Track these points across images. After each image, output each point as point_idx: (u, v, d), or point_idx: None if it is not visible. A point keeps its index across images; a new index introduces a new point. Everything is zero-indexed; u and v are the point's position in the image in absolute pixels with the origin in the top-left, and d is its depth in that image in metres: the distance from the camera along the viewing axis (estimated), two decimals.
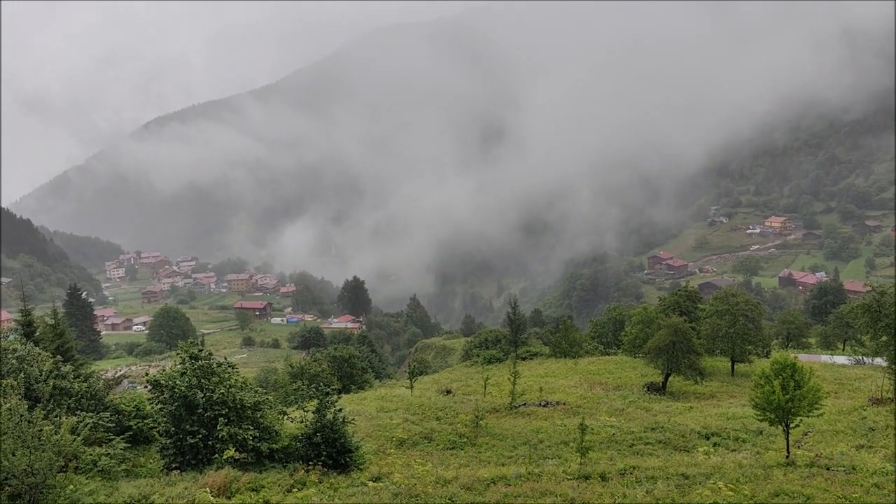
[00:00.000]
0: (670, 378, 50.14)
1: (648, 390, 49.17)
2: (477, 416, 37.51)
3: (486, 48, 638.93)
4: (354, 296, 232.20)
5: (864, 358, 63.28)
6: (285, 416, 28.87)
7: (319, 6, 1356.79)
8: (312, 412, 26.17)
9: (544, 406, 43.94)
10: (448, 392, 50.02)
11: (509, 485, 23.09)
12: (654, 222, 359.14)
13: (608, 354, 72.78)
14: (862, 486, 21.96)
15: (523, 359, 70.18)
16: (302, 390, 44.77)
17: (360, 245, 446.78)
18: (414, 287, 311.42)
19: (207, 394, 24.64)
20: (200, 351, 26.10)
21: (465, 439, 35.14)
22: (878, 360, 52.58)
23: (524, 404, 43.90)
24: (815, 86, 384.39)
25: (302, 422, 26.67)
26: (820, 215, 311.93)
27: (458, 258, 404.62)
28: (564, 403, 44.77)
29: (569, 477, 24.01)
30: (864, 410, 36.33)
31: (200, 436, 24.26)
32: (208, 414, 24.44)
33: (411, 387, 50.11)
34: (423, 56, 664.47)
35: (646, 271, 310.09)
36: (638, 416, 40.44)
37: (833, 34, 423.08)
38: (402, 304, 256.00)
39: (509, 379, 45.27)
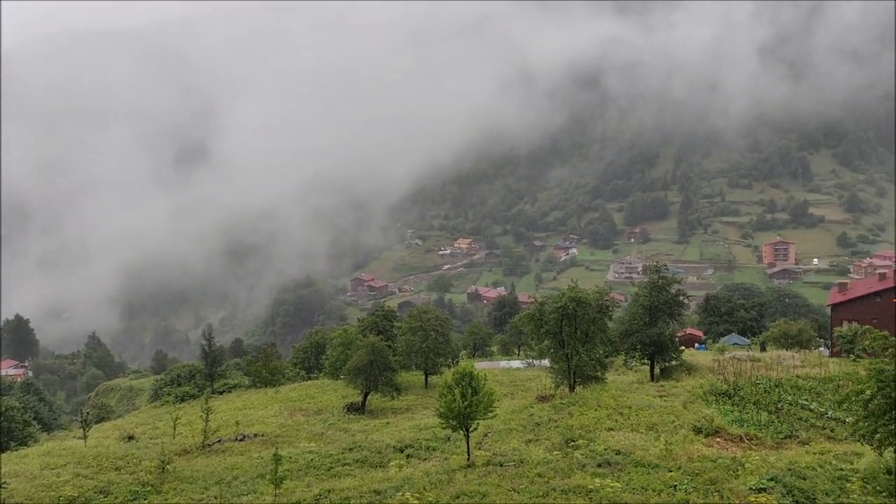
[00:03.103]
0: (369, 396, 51.42)
1: (348, 411, 49.81)
2: (163, 461, 34.30)
3: (182, 63, 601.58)
4: (17, 337, 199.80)
5: (534, 360, 71.77)
6: None
7: None
8: None
9: (240, 440, 42.02)
10: (131, 438, 45.22)
11: None
12: (364, 245, 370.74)
13: (311, 379, 72.41)
14: (528, 476, 24.56)
15: (220, 393, 66.62)
16: None
17: (22, 277, 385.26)
18: (95, 323, 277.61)
19: None
20: None
21: (149, 488, 31.87)
22: (544, 362, 59.89)
23: (219, 441, 41.49)
24: (501, 121, 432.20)
25: None
26: (498, 237, 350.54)
27: (149, 288, 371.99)
28: (262, 435, 43.35)
29: None
30: (532, 408, 40.85)
31: None
32: None
33: (85, 437, 44.22)
34: (106, 68, 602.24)
35: (349, 293, 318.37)
36: (337, 438, 40.64)
37: (514, 76, 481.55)
38: (79, 343, 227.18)
39: (202, 416, 42.46)
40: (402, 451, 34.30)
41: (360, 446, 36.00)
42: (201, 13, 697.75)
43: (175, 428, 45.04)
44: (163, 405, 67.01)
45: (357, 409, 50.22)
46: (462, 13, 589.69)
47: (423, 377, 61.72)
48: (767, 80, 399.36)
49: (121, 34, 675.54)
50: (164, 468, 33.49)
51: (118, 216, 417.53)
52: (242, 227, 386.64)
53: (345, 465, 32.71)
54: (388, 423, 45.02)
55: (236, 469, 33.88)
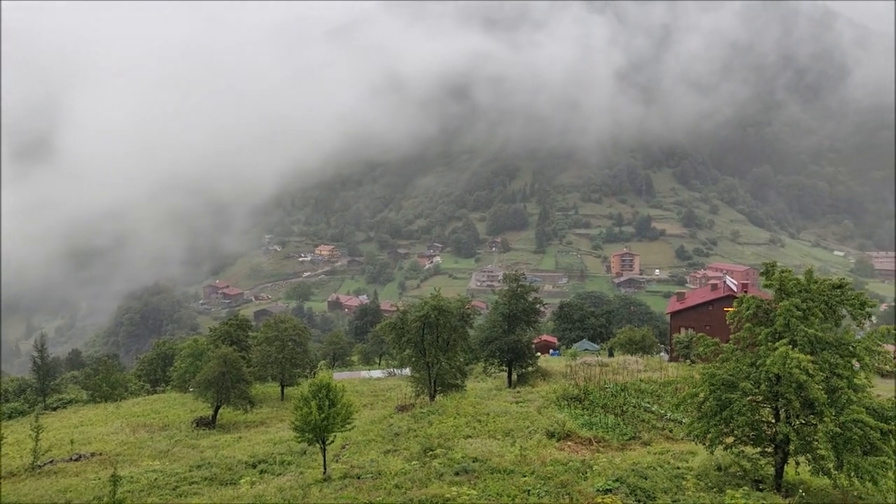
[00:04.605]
0: (220, 410, 49.09)
1: (198, 426, 47.33)
2: None
3: (22, 48, 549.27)
4: None
5: (395, 370, 71.77)
6: None
7: None
8: None
9: (76, 460, 38.74)
10: None
11: None
12: (223, 250, 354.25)
13: (157, 393, 68.20)
14: (385, 488, 24.23)
15: (54, 409, 61.30)
16: None
17: None
18: None
19: None
20: None
21: None
22: (406, 371, 59.95)
23: (51, 462, 37.99)
24: (370, 127, 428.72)
25: None
26: (362, 244, 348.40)
27: None
28: (101, 454, 40.14)
29: None
30: (392, 418, 40.64)
31: None
32: None
33: None
34: None
35: (202, 301, 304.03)
36: (185, 455, 38.39)
37: (385, 83, 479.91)
38: None
39: (31, 435, 38.69)
40: (254, 467, 32.92)
41: (209, 463, 34.19)
42: None
43: (0, 448, 40.72)
44: None
45: (207, 423, 47.78)
46: (330, 16, 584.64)
47: (280, 389, 59.88)
48: (622, 102, 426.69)
49: None
50: None
51: None
52: (87, 229, 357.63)
53: (192, 483, 30.84)
54: (240, 437, 43.17)
55: (70, 492, 31.03)
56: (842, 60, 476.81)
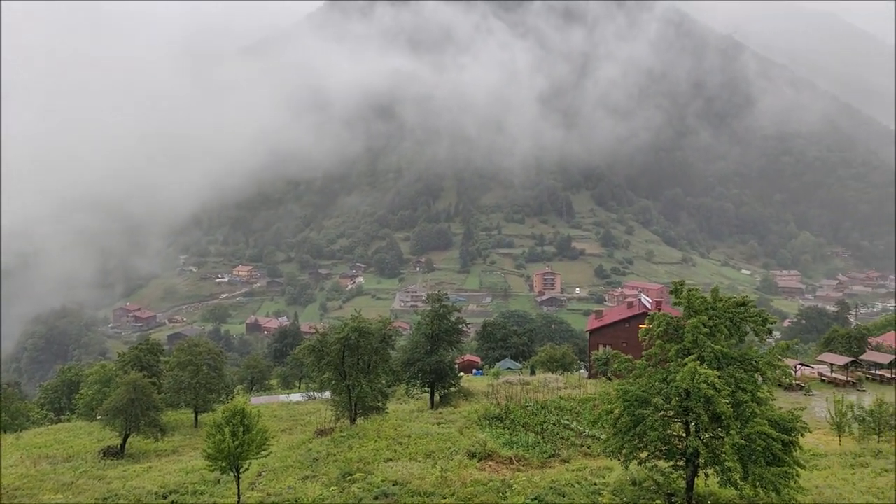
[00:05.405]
0: (130, 439, 46.84)
1: (105, 456, 45.07)
2: None
3: None
4: None
5: (315, 393, 70.28)
6: None
7: None
8: None
9: None
10: None
11: None
12: (136, 271, 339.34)
13: (61, 422, 64.50)
14: None
15: None
16: None
17: None
18: None
19: None
20: None
21: None
22: (326, 395, 58.76)
23: None
24: (293, 146, 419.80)
25: None
26: (282, 264, 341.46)
27: None
28: None
29: None
30: (311, 442, 39.77)
31: None
32: None
33: None
34: None
35: (111, 325, 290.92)
36: (90, 488, 36.36)
37: (308, 101, 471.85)
38: None
39: None
40: (165, 498, 31.60)
41: (116, 495, 32.59)
42: None
43: None
44: None
45: (115, 453, 45.51)
46: (244, 33, 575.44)
47: (193, 415, 57.68)
48: (544, 125, 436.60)
49: None
50: None
51: None
52: None
53: None
54: (150, 467, 41.29)
55: None
56: (747, 90, 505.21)
